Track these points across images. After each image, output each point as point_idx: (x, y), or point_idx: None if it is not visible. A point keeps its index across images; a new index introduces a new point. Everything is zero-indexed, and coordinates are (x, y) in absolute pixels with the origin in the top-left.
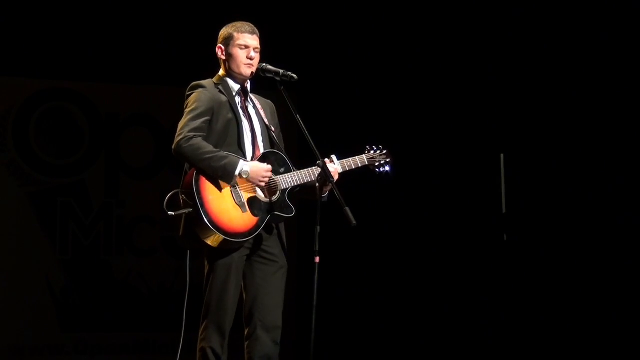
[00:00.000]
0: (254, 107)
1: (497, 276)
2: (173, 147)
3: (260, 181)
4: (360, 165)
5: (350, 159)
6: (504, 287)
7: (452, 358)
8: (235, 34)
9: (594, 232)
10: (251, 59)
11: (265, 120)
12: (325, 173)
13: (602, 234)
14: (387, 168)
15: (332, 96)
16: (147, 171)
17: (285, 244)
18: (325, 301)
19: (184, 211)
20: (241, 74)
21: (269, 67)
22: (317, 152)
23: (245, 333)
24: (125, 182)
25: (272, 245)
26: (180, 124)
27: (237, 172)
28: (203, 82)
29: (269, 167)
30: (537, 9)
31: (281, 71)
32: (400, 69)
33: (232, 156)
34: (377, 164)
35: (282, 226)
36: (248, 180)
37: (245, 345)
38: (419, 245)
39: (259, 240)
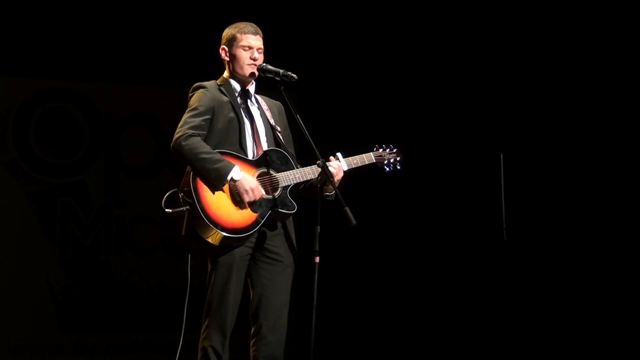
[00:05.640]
0: (259, 107)
1: (497, 276)
2: (171, 144)
3: (242, 193)
4: (367, 163)
5: (357, 156)
6: (504, 287)
7: (452, 358)
8: (238, 35)
9: (594, 231)
10: (254, 59)
11: (271, 121)
12: (325, 173)
13: (602, 233)
14: (398, 167)
15: (333, 96)
16: (147, 171)
17: (294, 243)
18: (325, 301)
19: (182, 209)
20: (245, 75)
21: (269, 67)
22: (317, 152)
23: (251, 332)
24: (125, 182)
25: (277, 245)
26: (180, 123)
27: (229, 177)
28: (205, 83)
29: (258, 187)
30: (537, 10)
31: (281, 71)
32: (401, 69)
33: (227, 161)
34: (385, 162)
35: (290, 226)
36: (234, 187)
37: (251, 344)
38: (419, 245)
39: (262, 238)
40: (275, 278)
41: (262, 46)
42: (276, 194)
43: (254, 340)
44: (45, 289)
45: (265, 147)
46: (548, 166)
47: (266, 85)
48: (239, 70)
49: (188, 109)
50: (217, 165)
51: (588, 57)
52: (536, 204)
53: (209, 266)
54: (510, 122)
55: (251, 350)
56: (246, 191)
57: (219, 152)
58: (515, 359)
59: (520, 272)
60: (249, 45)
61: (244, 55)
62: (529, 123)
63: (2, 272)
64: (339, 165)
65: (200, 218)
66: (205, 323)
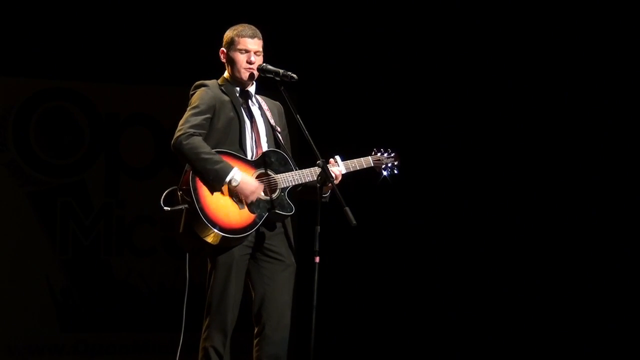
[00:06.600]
0: (259, 107)
1: (497, 276)
2: (172, 142)
3: (247, 196)
4: (365, 167)
5: (355, 160)
6: (504, 287)
7: (452, 358)
8: (236, 38)
9: (593, 230)
10: (251, 62)
11: (271, 121)
12: (325, 173)
13: (601, 233)
14: (395, 171)
15: (333, 96)
16: (147, 171)
17: (293, 243)
18: (325, 301)
19: (181, 207)
20: (241, 79)
21: (269, 67)
22: (317, 152)
23: (255, 332)
24: (125, 182)
25: (277, 244)
26: (181, 120)
27: (227, 179)
28: (207, 81)
29: (260, 186)
30: (535, 13)
31: (281, 71)
32: (401, 69)
33: (226, 162)
34: (383, 166)
35: (288, 225)
36: (235, 190)
37: (254, 344)
38: (419, 245)
39: (261, 238)
40: (277, 277)
41: (260, 49)
42: (274, 195)
43: (257, 340)
44: (45, 289)
45: (265, 147)
46: (546, 165)
47: (266, 85)
48: (236, 73)
49: (189, 107)
50: (216, 167)
51: (587, 56)
52: (534, 203)
53: (209, 266)
54: (509, 122)
55: (254, 350)
56: (247, 196)
57: (218, 151)
58: (514, 359)
59: (520, 272)
60: (245, 49)
61: (240, 59)
62: (527, 122)
63: (2, 272)
64: (339, 171)
65: (198, 217)
66: (206, 323)
